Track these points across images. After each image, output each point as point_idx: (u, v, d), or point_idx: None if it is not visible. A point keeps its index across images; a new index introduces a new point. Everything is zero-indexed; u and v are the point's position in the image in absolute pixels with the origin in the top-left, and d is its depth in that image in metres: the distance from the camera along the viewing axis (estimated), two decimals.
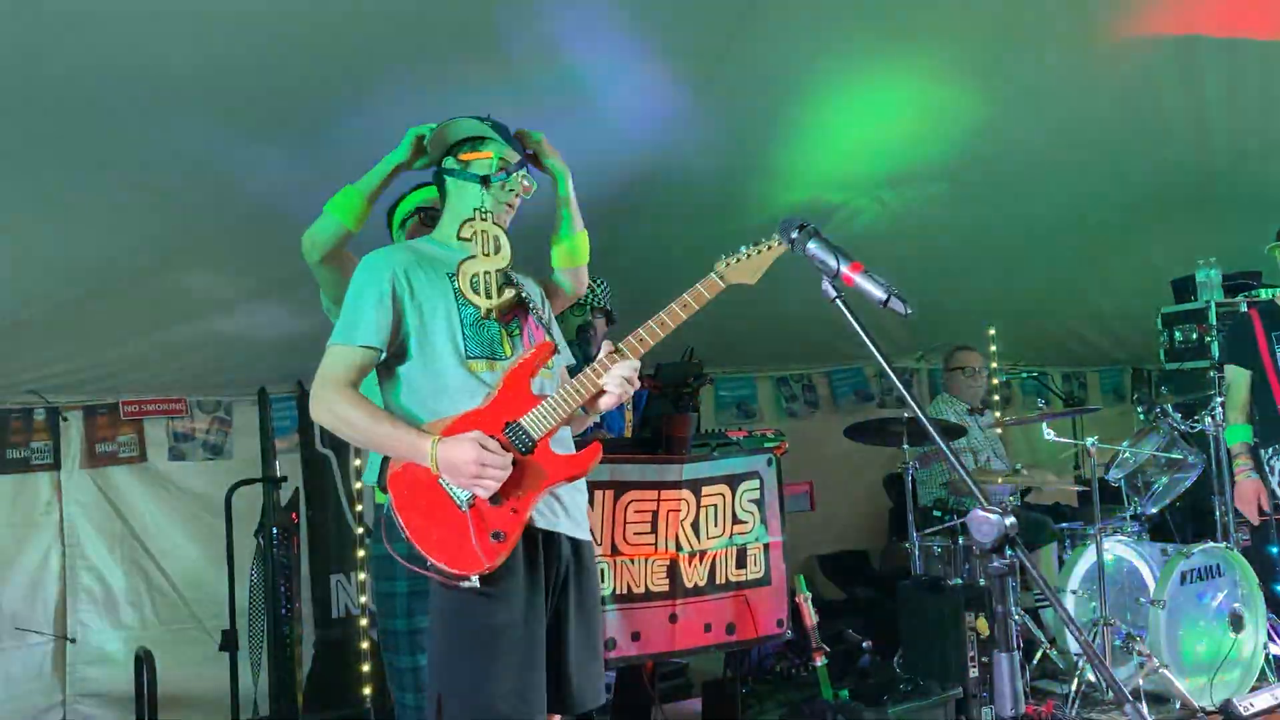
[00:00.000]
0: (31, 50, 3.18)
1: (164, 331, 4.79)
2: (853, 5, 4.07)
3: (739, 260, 2.56)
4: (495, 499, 2.36)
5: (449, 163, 2.68)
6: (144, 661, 4.49)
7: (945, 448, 1.96)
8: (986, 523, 1.83)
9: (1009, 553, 1.86)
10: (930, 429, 1.96)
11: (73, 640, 4.92)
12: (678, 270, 5.21)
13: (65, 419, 5.25)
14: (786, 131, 4.78)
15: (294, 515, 5.07)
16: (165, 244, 4.26)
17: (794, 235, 2.07)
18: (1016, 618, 4.62)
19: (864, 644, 4.90)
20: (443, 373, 2.47)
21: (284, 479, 5.11)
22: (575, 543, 2.58)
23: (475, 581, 2.32)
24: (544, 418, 2.43)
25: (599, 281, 4.54)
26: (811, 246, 2.04)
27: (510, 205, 2.67)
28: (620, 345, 2.51)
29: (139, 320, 4.67)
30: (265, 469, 4.43)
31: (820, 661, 4.12)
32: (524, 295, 2.64)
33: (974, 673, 4.25)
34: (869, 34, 4.33)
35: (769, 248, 2.54)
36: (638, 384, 2.51)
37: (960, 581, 4.57)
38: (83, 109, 3.45)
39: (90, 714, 4.97)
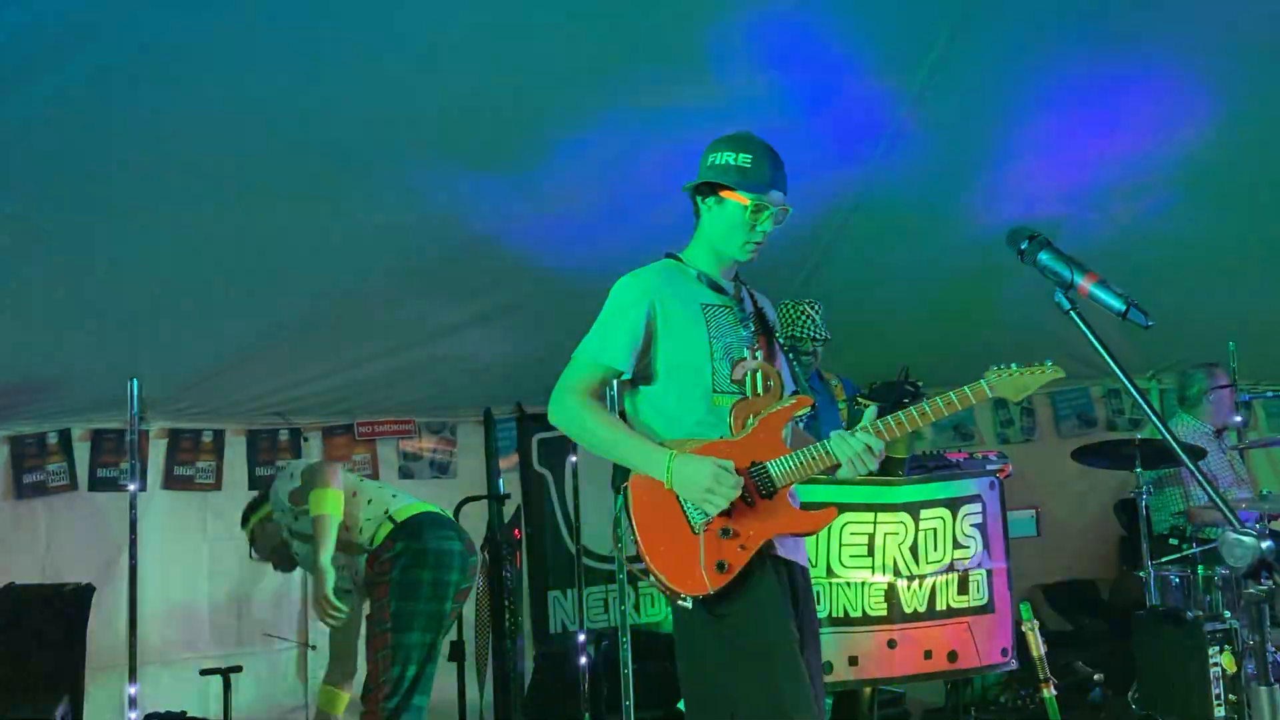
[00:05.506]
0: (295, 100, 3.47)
1: (395, 356, 5.08)
2: (1056, 7, 3.93)
3: (1010, 375, 2.58)
4: (726, 531, 2.43)
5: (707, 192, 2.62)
6: None
7: (1193, 468, 1.86)
8: (1240, 545, 1.72)
9: (1265, 578, 1.74)
10: (1177, 449, 1.86)
11: (313, 647, 5.24)
12: (886, 287, 5.18)
13: (306, 439, 5.65)
14: (1002, 143, 4.63)
15: (516, 532, 5.24)
16: (398, 275, 4.53)
17: (1023, 246, 2.01)
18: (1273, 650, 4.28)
19: (1095, 676, 4.67)
20: (689, 402, 2.54)
21: (508, 496, 5.28)
22: (802, 568, 2.64)
23: (689, 603, 2.41)
24: (791, 471, 2.49)
25: (815, 307, 4.46)
26: (1043, 258, 1.98)
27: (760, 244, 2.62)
28: (877, 422, 2.51)
29: (373, 346, 4.98)
30: (490, 487, 4.59)
31: (1049, 693, 3.94)
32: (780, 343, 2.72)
33: (1220, 710, 3.96)
34: (1089, 41, 4.16)
35: (1040, 372, 2.57)
36: (874, 465, 2.51)
37: (1201, 614, 4.27)
38: (328, 151, 3.72)
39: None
